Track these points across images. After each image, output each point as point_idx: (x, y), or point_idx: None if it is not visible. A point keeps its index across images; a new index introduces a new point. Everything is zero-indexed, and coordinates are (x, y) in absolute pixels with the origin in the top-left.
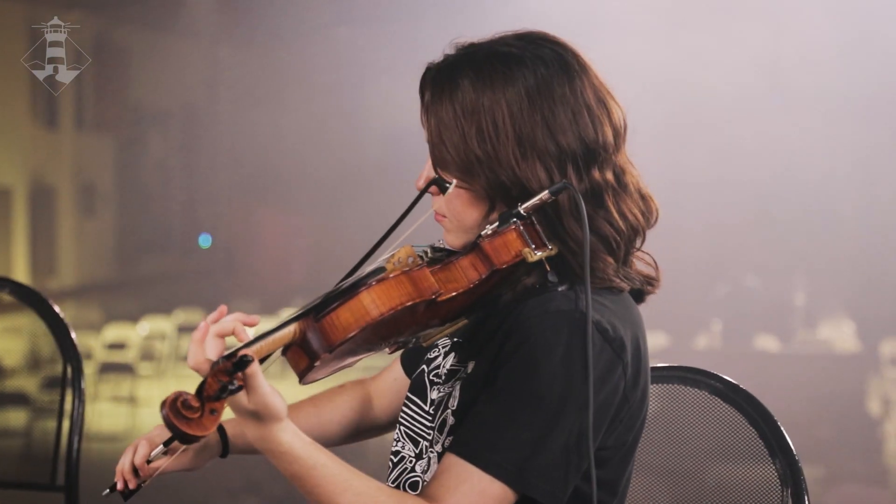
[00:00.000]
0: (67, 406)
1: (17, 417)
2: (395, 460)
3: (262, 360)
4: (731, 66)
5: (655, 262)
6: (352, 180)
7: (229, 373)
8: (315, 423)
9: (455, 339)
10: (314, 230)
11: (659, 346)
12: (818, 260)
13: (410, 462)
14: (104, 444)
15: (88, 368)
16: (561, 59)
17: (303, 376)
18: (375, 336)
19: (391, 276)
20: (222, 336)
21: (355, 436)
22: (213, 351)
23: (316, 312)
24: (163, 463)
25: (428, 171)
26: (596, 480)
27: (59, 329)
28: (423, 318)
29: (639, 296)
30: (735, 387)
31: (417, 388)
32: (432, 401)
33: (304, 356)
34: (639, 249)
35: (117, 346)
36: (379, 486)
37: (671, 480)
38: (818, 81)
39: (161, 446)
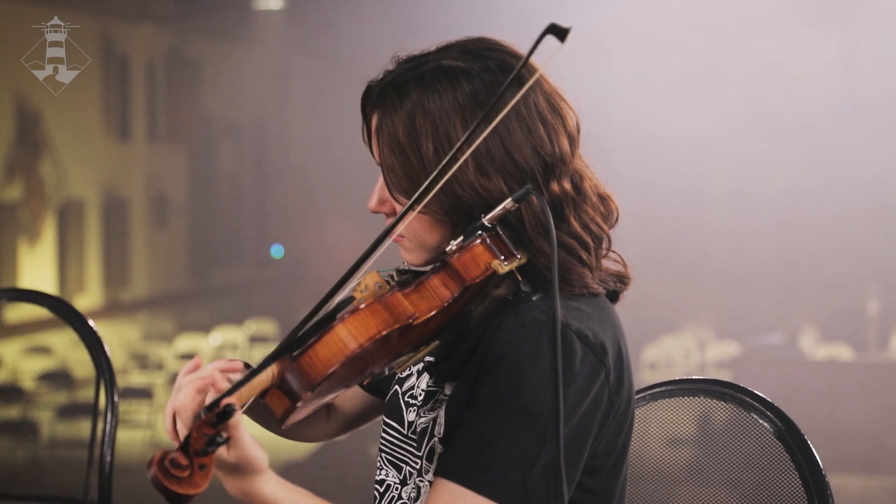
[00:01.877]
0: (100, 421)
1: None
2: (381, 489)
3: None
4: (801, 76)
5: (623, 259)
6: None
7: (213, 425)
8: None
9: (427, 360)
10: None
11: (729, 354)
12: (891, 267)
13: (397, 489)
14: (121, 459)
15: (160, 378)
16: (508, 67)
17: (284, 419)
18: (353, 370)
19: (363, 305)
20: (202, 391)
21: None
22: (188, 402)
23: (291, 351)
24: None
25: (380, 192)
26: (587, 489)
27: (93, 344)
28: (399, 346)
29: (613, 297)
30: (762, 399)
31: (392, 411)
32: (410, 423)
33: (284, 398)
34: (608, 250)
35: (189, 356)
36: None
37: (699, 492)
38: (891, 89)
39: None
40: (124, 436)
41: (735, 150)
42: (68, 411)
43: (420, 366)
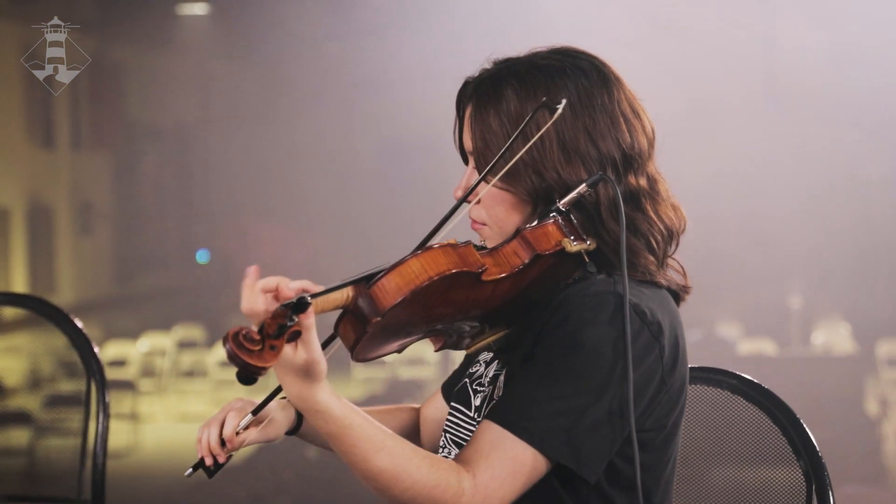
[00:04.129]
0: (91, 420)
1: (20, 435)
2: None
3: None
4: (725, 73)
5: (684, 270)
6: (346, 193)
7: (288, 315)
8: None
9: (497, 349)
10: (310, 242)
11: None
12: (813, 264)
13: (463, 449)
14: (115, 460)
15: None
16: (598, 70)
17: (354, 348)
18: (426, 309)
19: (438, 245)
20: (267, 291)
21: None
22: (262, 303)
23: (367, 280)
24: (251, 433)
25: (467, 181)
26: (640, 463)
27: (82, 345)
28: (470, 299)
29: (675, 298)
30: (757, 385)
31: (461, 397)
32: (476, 407)
33: (355, 323)
34: (672, 254)
35: (118, 363)
36: (414, 448)
37: (696, 475)
38: (813, 88)
39: (249, 415)
40: (55, 443)
41: (660, 145)
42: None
43: (489, 356)
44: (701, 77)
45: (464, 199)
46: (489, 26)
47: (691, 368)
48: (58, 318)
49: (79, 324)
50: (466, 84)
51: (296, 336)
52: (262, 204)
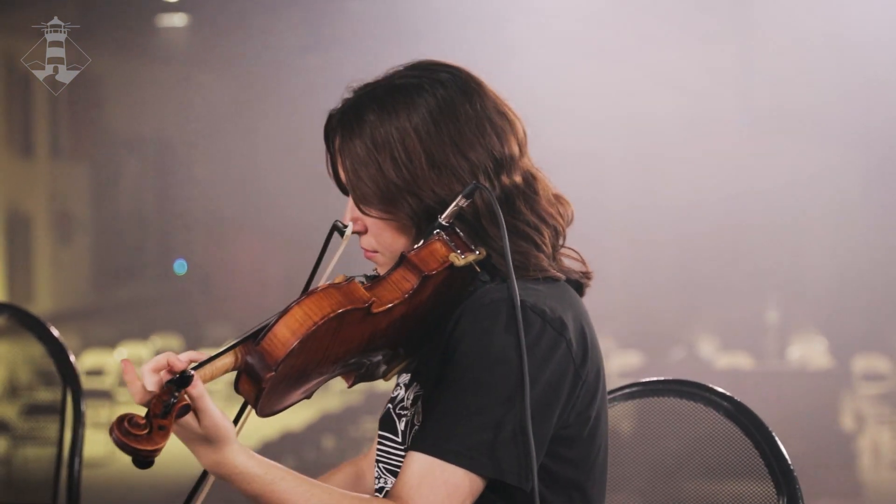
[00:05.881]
0: (67, 429)
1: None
2: (381, 496)
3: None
4: (697, 87)
5: (581, 257)
6: (324, 205)
7: (172, 392)
8: None
9: (412, 371)
10: (288, 254)
11: (632, 365)
12: (789, 278)
13: (392, 485)
14: (91, 469)
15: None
16: (457, 79)
17: (257, 405)
18: (320, 353)
19: (320, 289)
20: (157, 371)
21: None
22: (151, 384)
23: (255, 337)
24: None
25: (351, 212)
26: (566, 460)
27: (58, 353)
28: (366, 334)
29: (578, 288)
30: (729, 398)
31: (386, 424)
32: (402, 432)
33: (250, 382)
34: (563, 246)
35: (95, 372)
36: (343, 493)
37: (666, 490)
38: (784, 102)
39: None
40: (33, 452)
41: (630, 161)
42: None
43: (407, 378)
44: (683, 94)
45: (330, 235)
46: (471, 35)
47: (664, 381)
48: (34, 326)
49: (55, 332)
50: (331, 117)
51: (186, 410)
52: (241, 215)
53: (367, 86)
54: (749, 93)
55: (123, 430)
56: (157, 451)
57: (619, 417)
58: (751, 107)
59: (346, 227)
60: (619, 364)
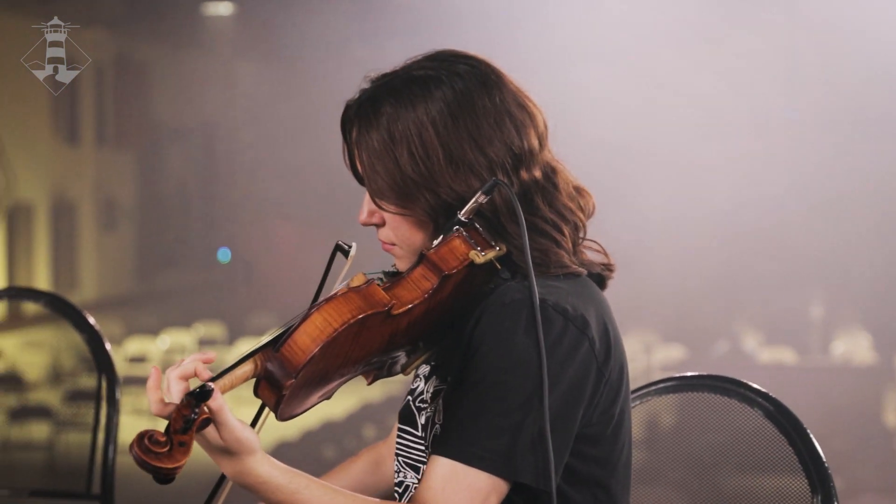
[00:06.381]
0: (102, 416)
1: (41, 429)
2: (401, 490)
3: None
4: (746, 87)
5: (603, 248)
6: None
7: (192, 406)
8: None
9: (433, 364)
10: (331, 244)
11: (675, 359)
12: (834, 273)
13: (416, 489)
14: (125, 456)
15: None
16: (476, 71)
17: (277, 411)
18: (341, 358)
19: (339, 294)
20: (185, 378)
21: (377, 495)
22: (175, 394)
23: (273, 344)
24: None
25: (368, 205)
26: (590, 458)
27: (94, 341)
28: (386, 335)
29: (600, 282)
30: (765, 395)
31: (406, 418)
32: (422, 426)
33: (271, 389)
34: (584, 240)
35: (138, 359)
36: (365, 500)
37: (700, 486)
38: (829, 101)
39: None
40: (74, 438)
41: (678, 157)
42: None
43: (427, 370)
44: (734, 94)
45: (333, 255)
46: (523, 25)
47: (700, 376)
48: (71, 314)
49: (91, 320)
50: (348, 108)
51: (206, 423)
52: (284, 204)
53: (384, 76)
54: (794, 93)
55: (144, 447)
56: (178, 468)
57: (656, 411)
58: (796, 106)
59: (349, 247)
60: (663, 357)
